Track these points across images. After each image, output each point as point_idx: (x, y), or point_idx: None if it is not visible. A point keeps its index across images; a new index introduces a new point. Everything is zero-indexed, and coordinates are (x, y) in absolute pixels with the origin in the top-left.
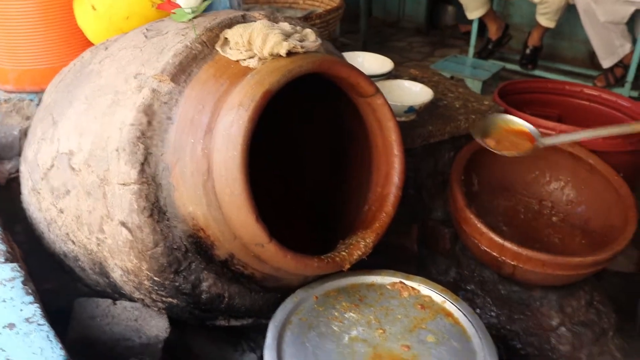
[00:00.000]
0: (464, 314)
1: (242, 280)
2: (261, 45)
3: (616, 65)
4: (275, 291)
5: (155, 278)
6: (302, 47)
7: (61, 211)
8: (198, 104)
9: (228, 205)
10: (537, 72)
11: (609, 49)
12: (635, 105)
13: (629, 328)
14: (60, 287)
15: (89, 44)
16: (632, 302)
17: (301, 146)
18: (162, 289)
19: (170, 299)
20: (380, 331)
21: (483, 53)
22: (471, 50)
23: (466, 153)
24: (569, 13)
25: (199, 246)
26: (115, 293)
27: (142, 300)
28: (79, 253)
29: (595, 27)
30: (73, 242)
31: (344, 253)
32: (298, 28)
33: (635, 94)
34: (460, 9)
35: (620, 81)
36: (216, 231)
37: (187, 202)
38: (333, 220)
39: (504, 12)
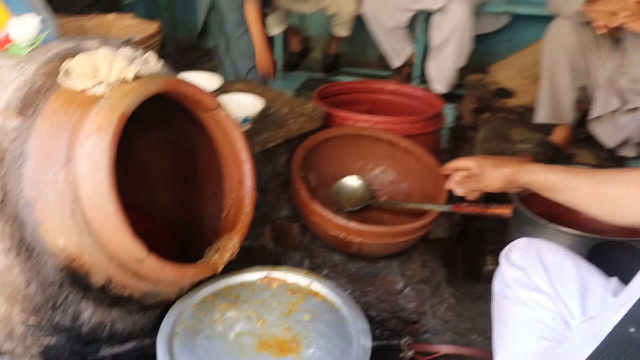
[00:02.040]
0: (329, 290)
1: (122, 303)
2: (108, 71)
3: (404, 64)
4: (155, 308)
5: (31, 320)
6: (147, 70)
7: None
8: (52, 135)
9: (101, 228)
10: (340, 78)
11: (396, 51)
12: (426, 93)
13: (455, 279)
14: None
15: None
16: (451, 258)
17: (151, 165)
18: (39, 330)
19: (48, 339)
20: (261, 322)
21: (289, 65)
22: (279, 64)
23: (300, 153)
24: (360, 22)
25: (74, 277)
26: None
27: (12, 352)
28: None
29: (382, 32)
30: None
31: (215, 257)
32: (138, 53)
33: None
34: None
35: (409, 78)
36: (91, 258)
37: (56, 234)
38: (192, 232)
39: (302, 26)
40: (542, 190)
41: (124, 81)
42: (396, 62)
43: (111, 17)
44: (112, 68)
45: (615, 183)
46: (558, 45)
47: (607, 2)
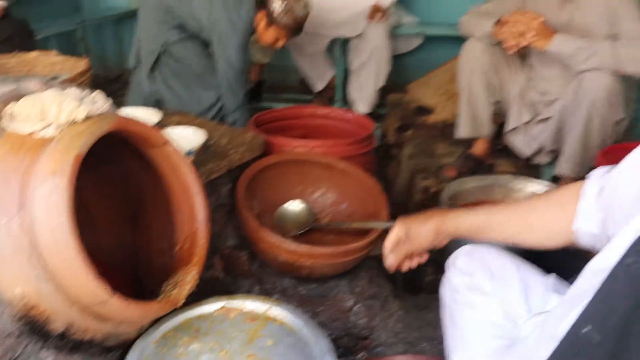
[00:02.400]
0: (288, 313)
1: (83, 347)
2: (57, 113)
3: (326, 87)
4: (116, 349)
5: None
6: (96, 110)
7: None
8: (1, 182)
9: (63, 272)
10: (265, 104)
11: (317, 75)
12: (356, 116)
13: (400, 292)
14: None
15: None
16: (393, 272)
17: (94, 203)
18: None
19: None
20: (224, 352)
21: None
22: None
23: (244, 182)
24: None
25: (33, 325)
26: None
27: None
28: None
29: (303, 58)
30: None
31: (174, 291)
32: (85, 92)
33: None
34: None
35: (331, 101)
36: (50, 304)
37: (13, 283)
38: (140, 270)
39: None
40: (471, 232)
41: (73, 122)
42: (318, 85)
43: (33, 54)
44: (62, 109)
45: (538, 210)
46: (472, 64)
47: (515, 24)
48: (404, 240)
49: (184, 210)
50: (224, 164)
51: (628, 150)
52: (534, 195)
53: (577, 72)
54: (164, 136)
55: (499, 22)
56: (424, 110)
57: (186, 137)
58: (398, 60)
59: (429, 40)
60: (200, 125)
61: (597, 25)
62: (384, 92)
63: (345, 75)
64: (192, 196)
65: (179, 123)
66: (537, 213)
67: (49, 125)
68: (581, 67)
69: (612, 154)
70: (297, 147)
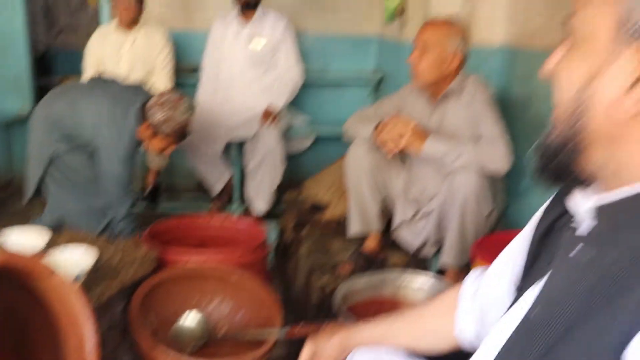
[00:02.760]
0: None
1: None
2: None
3: (223, 188)
4: None
5: None
6: None
7: None
8: None
9: None
10: (162, 208)
11: (215, 177)
12: (249, 224)
13: None
14: None
15: None
16: None
17: None
18: None
19: None
20: None
21: None
22: None
23: (137, 300)
24: (176, 151)
25: None
26: None
27: None
28: None
29: (201, 161)
30: None
31: None
32: None
33: (241, 208)
34: None
35: (229, 200)
36: None
37: None
38: None
39: None
40: (374, 341)
41: None
42: (216, 187)
43: None
44: None
45: (425, 317)
46: (357, 165)
47: (392, 129)
48: (313, 358)
49: (72, 340)
50: (116, 283)
51: (498, 241)
52: (427, 302)
53: (448, 171)
54: (50, 268)
55: (378, 127)
56: (319, 208)
57: (75, 259)
58: (293, 158)
59: (321, 138)
60: (91, 243)
61: (462, 128)
62: (281, 189)
63: (242, 176)
64: (80, 325)
65: (69, 241)
66: (425, 321)
67: None
68: (451, 167)
69: (484, 244)
70: (190, 260)
